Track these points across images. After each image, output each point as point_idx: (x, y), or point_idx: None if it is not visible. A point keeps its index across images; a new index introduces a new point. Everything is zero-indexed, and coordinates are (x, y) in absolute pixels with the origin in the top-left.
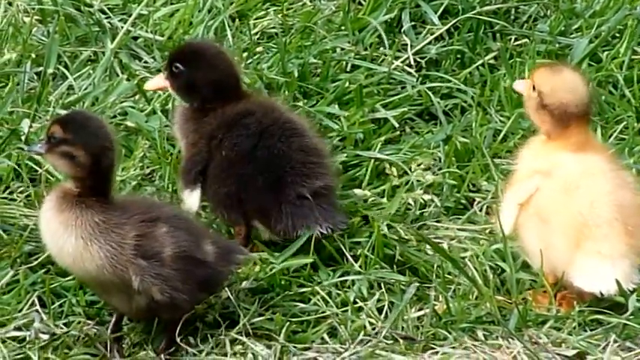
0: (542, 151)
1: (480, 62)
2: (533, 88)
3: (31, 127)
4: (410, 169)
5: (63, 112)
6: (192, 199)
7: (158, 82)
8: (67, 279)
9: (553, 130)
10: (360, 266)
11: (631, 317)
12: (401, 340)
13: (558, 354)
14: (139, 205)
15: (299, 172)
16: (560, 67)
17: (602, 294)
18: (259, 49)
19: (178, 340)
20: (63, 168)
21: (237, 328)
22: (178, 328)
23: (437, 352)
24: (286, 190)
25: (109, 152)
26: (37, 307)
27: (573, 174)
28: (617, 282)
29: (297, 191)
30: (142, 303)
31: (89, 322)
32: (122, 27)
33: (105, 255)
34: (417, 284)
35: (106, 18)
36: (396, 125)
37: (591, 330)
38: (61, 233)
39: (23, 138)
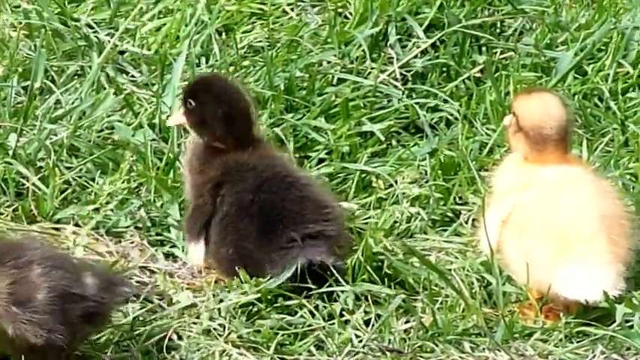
0: (521, 165)
1: (466, 75)
2: (513, 114)
3: (18, 141)
4: (396, 182)
5: (50, 126)
6: (196, 254)
7: (177, 118)
8: None
9: (530, 153)
10: (347, 279)
11: (618, 329)
12: (388, 353)
13: None
14: (12, 250)
15: (290, 220)
16: (539, 91)
17: (587, 302)
18: (246, 63)
19: (165, 353)
20: None
21: (224, 339)
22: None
23: None
24: (276, 237)
25: None
26: None
27: (553, 185)
28: (605, 293)
29: (288, 236)
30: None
31: None
32: (109, 41)
33: None
34: (404, 296)
35: (93, 32)
36: (382, 138)
37: (578, 342)
38: None
39: (10, 152)
